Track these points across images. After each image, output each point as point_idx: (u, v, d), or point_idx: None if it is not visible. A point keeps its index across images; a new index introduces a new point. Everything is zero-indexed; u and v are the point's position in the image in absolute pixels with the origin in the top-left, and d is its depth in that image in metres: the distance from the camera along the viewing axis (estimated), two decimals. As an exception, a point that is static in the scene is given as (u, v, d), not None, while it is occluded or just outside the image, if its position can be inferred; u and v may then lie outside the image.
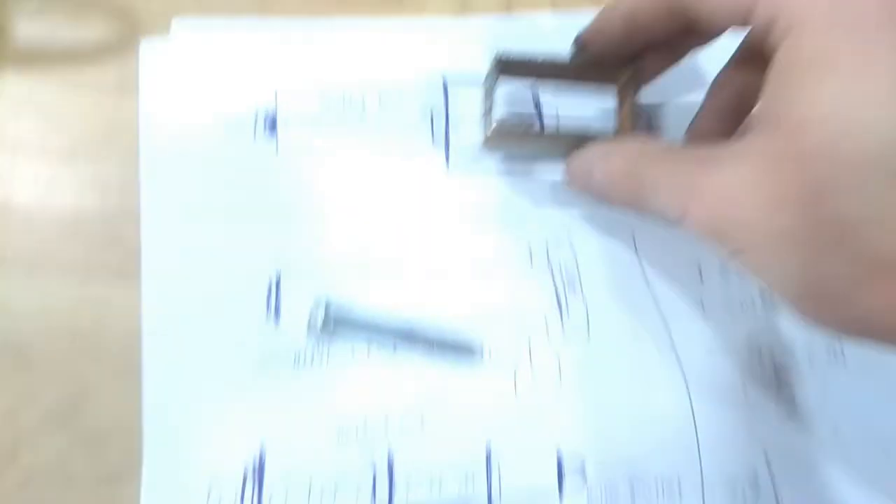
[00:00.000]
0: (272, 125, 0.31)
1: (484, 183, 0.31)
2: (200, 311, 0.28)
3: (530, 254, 0.30)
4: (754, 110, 0.24)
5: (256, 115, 0.31)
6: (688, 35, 0.27)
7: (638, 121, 0.31)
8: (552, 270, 0.30)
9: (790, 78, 0.22)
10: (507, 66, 0.30)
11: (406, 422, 0.28)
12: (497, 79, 0.29)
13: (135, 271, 0.29)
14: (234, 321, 0.28)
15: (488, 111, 0.30)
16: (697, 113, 0.30)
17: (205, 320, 0.28)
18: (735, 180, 0.22)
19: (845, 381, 0.30)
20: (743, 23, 0.24)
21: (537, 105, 0.32)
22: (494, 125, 0.29)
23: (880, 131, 0.20)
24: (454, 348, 0.28)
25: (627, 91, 0.30)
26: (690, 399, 0.29)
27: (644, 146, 0.27)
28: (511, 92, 0.32)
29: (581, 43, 0.30)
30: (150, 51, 0.31)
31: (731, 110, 0.29)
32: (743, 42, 0.28)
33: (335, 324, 0.28)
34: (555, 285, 0.30)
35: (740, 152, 0.23)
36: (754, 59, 0.25)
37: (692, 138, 0.31)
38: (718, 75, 0.29)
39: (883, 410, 0.30)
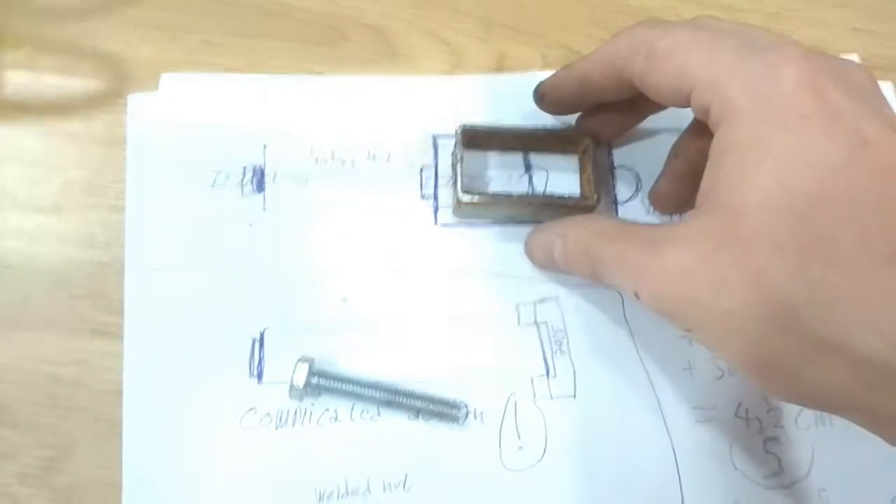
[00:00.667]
0: (260, 180, 0.30)
1: (472, 239, 0.31)
2: (182, 367, 0.28)
3: (517, 312, 0.30)
4: (700, 188, 0.25)
5: (244, 171, 0.31)
6: (643, 100, 0.28)
7: (604, 185, 0.32)
8: (539, 329, 0.30)
9: (727, 163, 0.23)
10: (473, 138, 0.30)
11: (389, 484, 0.27)
12: (462, 151, 0.30)
13: (118, 326, 0.29)
14: (217, 378, 0.28)
15: (454, 182, 0.30)
16: (659, 176, 0.31)
17: (187, 377, 0.28)
18: (681, 262, 0.23)
19: (831, 444, 0.30)
20: (684, 104, 0.26)
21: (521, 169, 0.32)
22: (459, 198, 0.29)
23: (815, 217, 0.21)
24: (439, 412, 0.28)
25: (587, 158, 0.31)
26: (676, 462, 0.29)
27: (597, 224, 0.28)
28: (480, 159, 0.32)
29: (539, 92, 0.31)
30: (139, 104, 0.31)
31: (688, 175, 0.30)
32: None
33: (318, 385, 0.28)
34: (542, 344, 0.30)
35: (684, 236, 0.24)
36: (706, 129, 0.26)
37: (654, 201, 0.32)
38: (678, 140, 0.30)
39: (868, 474, 0.30)
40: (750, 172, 0.22)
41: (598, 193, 0.31)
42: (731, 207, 0.22)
